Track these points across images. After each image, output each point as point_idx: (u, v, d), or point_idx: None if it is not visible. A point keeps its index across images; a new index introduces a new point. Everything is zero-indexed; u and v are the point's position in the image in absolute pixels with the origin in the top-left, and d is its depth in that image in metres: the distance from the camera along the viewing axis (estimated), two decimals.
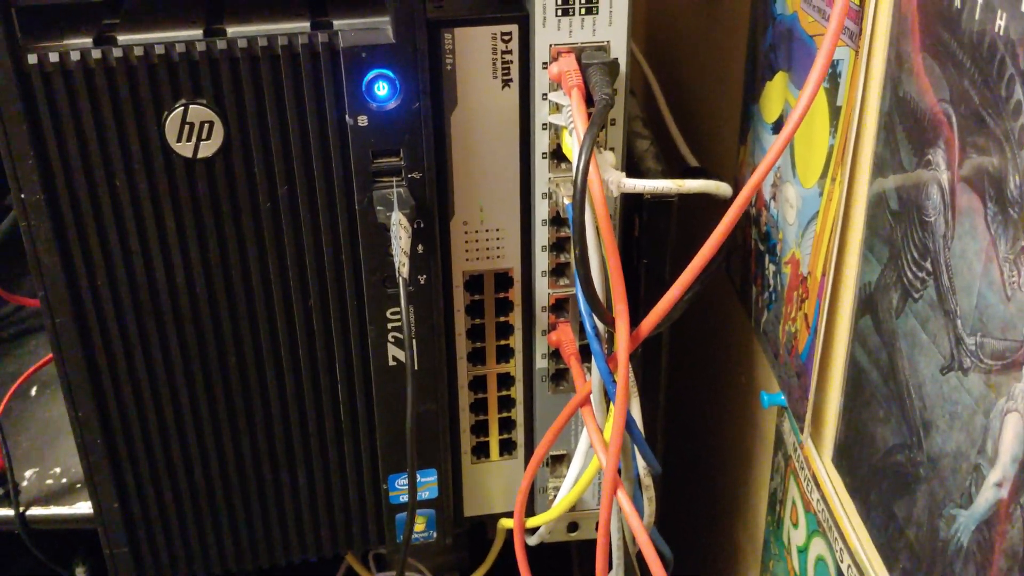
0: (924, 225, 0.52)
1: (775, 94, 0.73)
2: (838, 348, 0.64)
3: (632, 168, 0.76)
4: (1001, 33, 0.44)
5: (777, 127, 0.73)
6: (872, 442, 0.60)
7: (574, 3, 0.65)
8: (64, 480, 0.84)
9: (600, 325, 0.65)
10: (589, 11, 0.66)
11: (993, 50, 0.44)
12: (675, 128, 0.87)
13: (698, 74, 0.99)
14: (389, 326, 0.71)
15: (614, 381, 0.64)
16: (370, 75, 0.63)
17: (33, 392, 0.93)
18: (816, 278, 0.66)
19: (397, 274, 0.63)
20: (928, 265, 0.52)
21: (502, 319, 0.75)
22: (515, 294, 0.74)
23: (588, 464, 0.73)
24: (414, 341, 0.71)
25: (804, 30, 0.67)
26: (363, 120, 0.65)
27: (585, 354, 0.74)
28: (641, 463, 0.70)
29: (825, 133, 0.64)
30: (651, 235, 0.73)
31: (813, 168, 0.66)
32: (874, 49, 0.57)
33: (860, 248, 0.60)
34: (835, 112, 0.62)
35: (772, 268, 0.75)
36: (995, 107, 0.45)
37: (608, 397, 0.66)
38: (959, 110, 0.48)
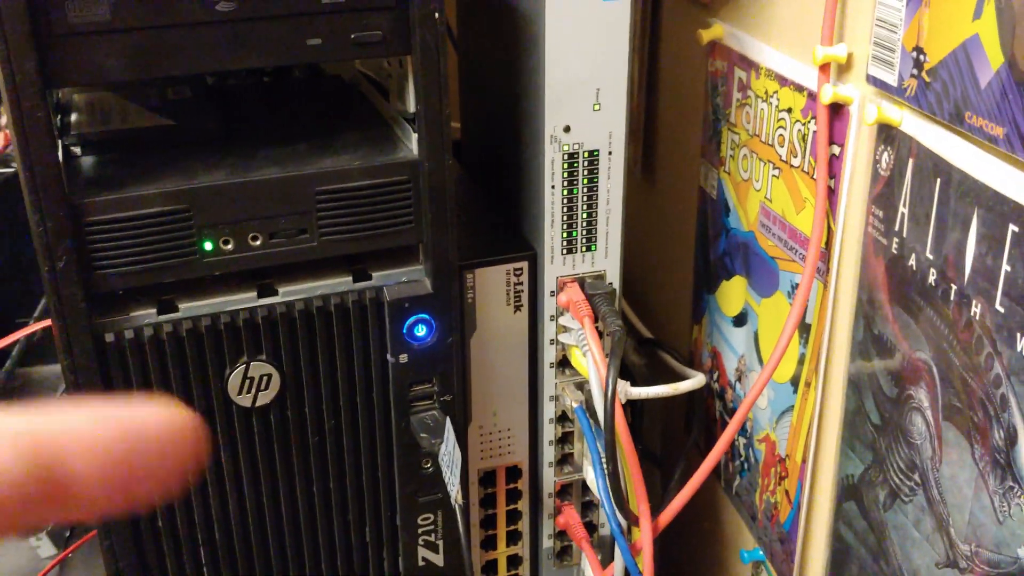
0: (910, 445, 0.64)
1: (734, 294, 0.85)
2: (819, 523, 0.76)
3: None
4: (977, 318, 0.56)
5: (739, 320, 0.85)
6: None
7: (577, 242, 0.75)
8: None
9: (622, 520, 0.75)
10: (588, 248, 0.76)
11: (970, 328, 0.57)
12: (630, 309, 0.98)
13: (645, 257, 1.10)
14: (420, 531, 0.78)
15: (639, 571, 0.73)
16: (411, 320, 0.72)
17: None
18: (796, 462, 0.77)
19: (453, 503, 0.71)
20: (917, 477, 0.64)
21: (511, 507, 0.84)
22: (523, 483, 0.83)
23: None
24: (443, 543, 0.79)
25: (764, 250, 0.79)
26: (404, 358, 0.72)
27: (590, 531, 0.83)
28: None
29: (795, 342, 0.75)
30: (643, 423, 0.83)
31: (784, 370, 0.78)
32: (841, 286, 0.70)
33: (838, 444, 0.72)
34: (804, 327, 0.74)
35: (743, 441, 0.86)
36: (975, 373, 0.57)
37: None
38: (939, 366, 0.60)
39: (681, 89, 0.93)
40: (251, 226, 0.66)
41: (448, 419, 0.73)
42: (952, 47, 0.55)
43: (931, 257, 0.59)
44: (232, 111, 0.78)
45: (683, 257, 0.95)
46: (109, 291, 0.65)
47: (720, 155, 0.85)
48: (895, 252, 0.63)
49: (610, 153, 0.74)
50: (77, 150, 0.69)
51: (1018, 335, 0.53)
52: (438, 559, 0.79)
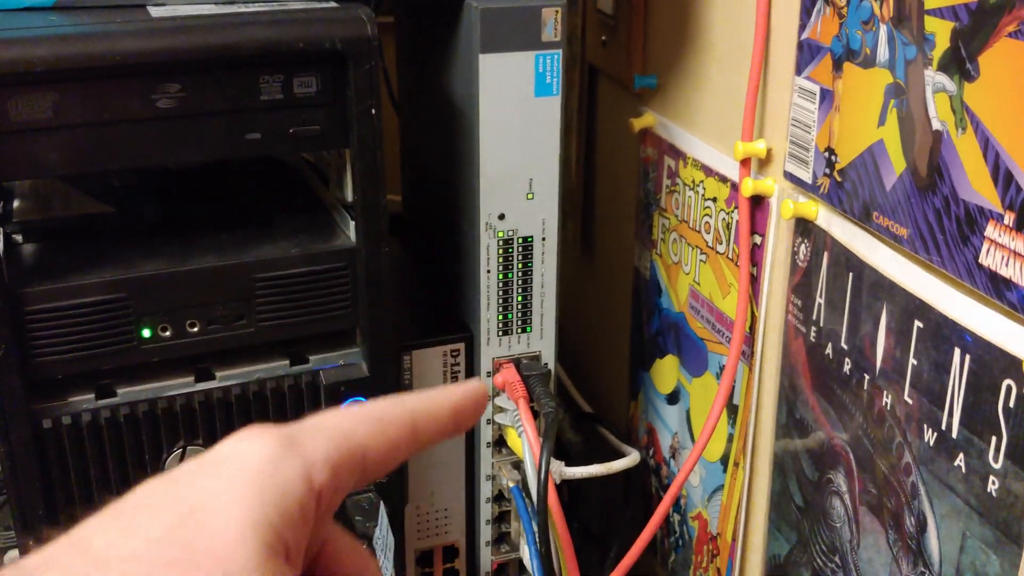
0: (831, 528, 0.66)
1: (667, 372, 0.87)
2: None
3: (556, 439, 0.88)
4: (888, 408, 0.58)
5: (672, 399, 0.87)
6: None
7: (512, 324, 0.77)
8: None
9: None
10: (524, 329, 0.78)
11: (882, 417, 0.59)
12: (569, 381, 1.00)
13: (585, 331, 1.13)
14: None
15: None
16: (348, 403, 0.73)
17: None
18: (727, 540, 0.79)
19: None
20: (837, 559, 0.66)
21: None
22: (460, 563, 0.84)
23: None
24: None
25: (694, 331, 0.81)
26: None
27: None
28: None
29: (724, 422, 0.78)
30: (580, 499, 0.85)
31: (714, 449, 0.80)
32: (765, 369, 0.72)
33: (765, 524, 0.74)
34: (732, 408, 0.76)
35: (677, 517, 0.88)
36: (888, 461, 0.59)
37: None
38: (856, 452, 0.62)
39: (616, 172, 0.96)
40: (189, 313, 0.67)
41: (381, 502, 0.74)
42: (860, 150, 0.58)
43: (846, 347, 0.62)
44: (174, 196, 0.79)
45: (621, 334, 0.97)
46: (48, 377, 0.66)
47: (652, 238, 0.87)
48: (813, 340, 0.65)
49: (543, 239, 0.76)
50: (18, 237, 0.70)
51: (925, 426, 0.55)
52: None
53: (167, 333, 0.67)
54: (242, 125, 0.65)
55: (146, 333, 0.66)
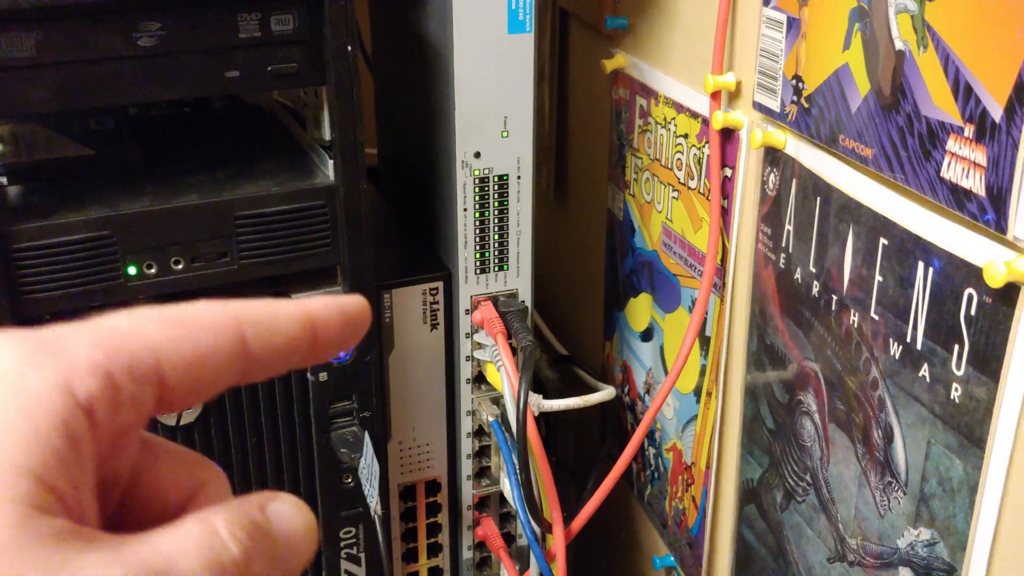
0: (802, 448, 0.68)
1: (641, 310, 0.89)
2: (724, 526, 0.80)
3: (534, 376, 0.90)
4: (855, 326, 0.61)
5: (646, 336, 0.89)
6: None
7: (489, 262, 0.79)
8: None
9: (536, 528, 0.78)
10: (501, 268, 0.80)
11: (849, 335, 0.61)
12: (545, 327, 1.01)
13: (560, 276, 1.15)
14: (342, 544, 0.81)
15: (551, 572, 0.77)
16: None
17: None
18: (701, 469, 0.81)
19: (373, 513, 0.74)
20: (808, 478, 0.68)
21: (431, 520, 0.87)
22: (443, 497, 0.86)
23: None
24: (365, 555, 0.81)
25: (667, 268, 0.83)
26: (323, 376, 0.75)
27: (508, 542, 0.86)
28: None
29: (696, 354, 0.80)
30: (558, 435, 0.87)
31: (687, 381, 0.82)
32: (736, 300, 0.74)
33: (738, 450, 0.77)
34: (704, 340, 0.79)
35: (652, 451, 0.90)
36: (856, 377, 0.61)
37: None
38: (825, 373, 0.65)
39: (589, 116, 0.97)
40: (173, 251, 0.68)
41: (367, 433, 0.75)
42: (826, 75, 0.60)
43: (814, 270, 0.64)
44: (154, 140, 0.80)
45: (595, 276, 0.99)
46: (36, 316, 0.67)
47: (625, 178, 0.89)
48: (783, 267, 0.68)
49: (519, 177, 0.77)
50: (3, 179, 0.71)
51: (891, 341, 0.58)
52: (360, 571, 0.82)
53: (152, 270, 0.68)
54: (221, 63, 0.66)
55: (132, 270, 0.67)
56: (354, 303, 0.29)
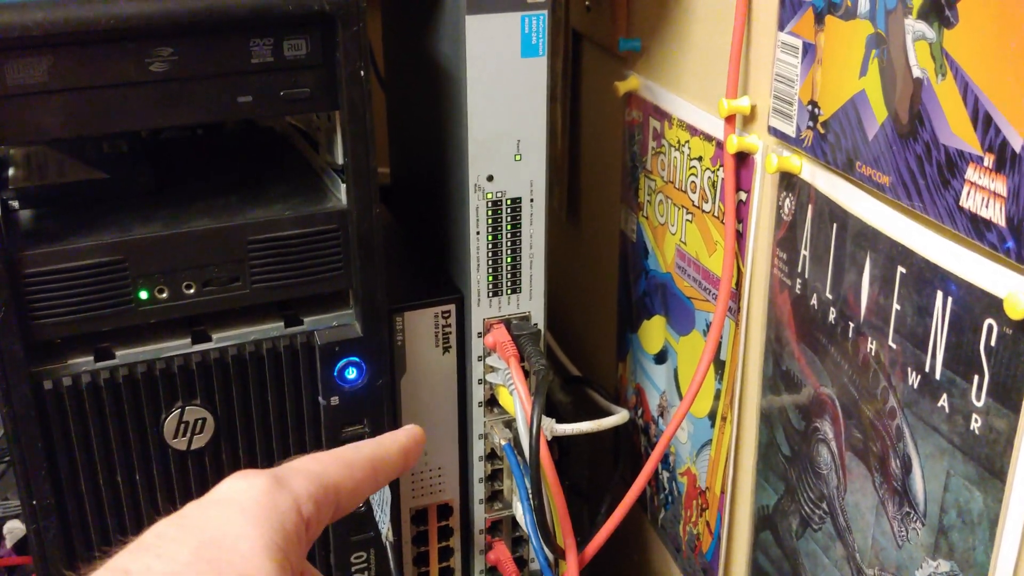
0: (818, 475, 0.68)
1: (655, 333, 0.89)
2: (739, 553, 0.79)
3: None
4: (873, 354, 0.60)
5: (660, 358, 0.89)
6: None
7: (502, 285, 0.79)
8: None
9: (549, 554, 0.77)
10: (513, 290, 0.79)
11: (867, 363, 0.61)
12: (558, 347, 1.01)
13: (573, 297, 1.14)
14: (353, 569, 0.80)
15: None
16: (341, 363, 0.74)
17: None
18: (716, 494, 0.81)
19: (384, 540, 0.73)
20: (824, 506, 0.67)
21: (443, 544, 0.86)
22: (454, 521, 0.86)
23: None
24: None
25: (680, 291, 0.83)
26: (335, 400, 0.75)
27: (521, 566, 0.86)
28: None
29: (711, 378, 0.79)
30: (571, 459, 0.86)
31: (702, 405, 0.81)
32: (751, 324, 0.74)
33: (753, 476, 0.76)
34: (719, 364, 0.78)
35: (666, 474, 0.89)
36: (873, 406, 0.61)
37: None
38: (841, 400, 0.64)
39: (602, 138, 0.97)
40: (185, 275, 0.68)
41: None
42: (842, 101, 0.59)
43: (831, 296, 0.64)
44: (166, 164, 0.80)
45: (607, 297, 0.99)
46: (47, 340, 0.67)
47: (638, 200, 0.89)
48: (799, 292, 0.67)
49: (532, 200, 0.77)
50: (15, 203, 0.71)
51: (909, 370, 0.57)
52: None
53: (164, 295, 0.68)
54: (234, 88, 0.66)
55: (143, 295, 0.67)
56: (418, 431, 0.45)
